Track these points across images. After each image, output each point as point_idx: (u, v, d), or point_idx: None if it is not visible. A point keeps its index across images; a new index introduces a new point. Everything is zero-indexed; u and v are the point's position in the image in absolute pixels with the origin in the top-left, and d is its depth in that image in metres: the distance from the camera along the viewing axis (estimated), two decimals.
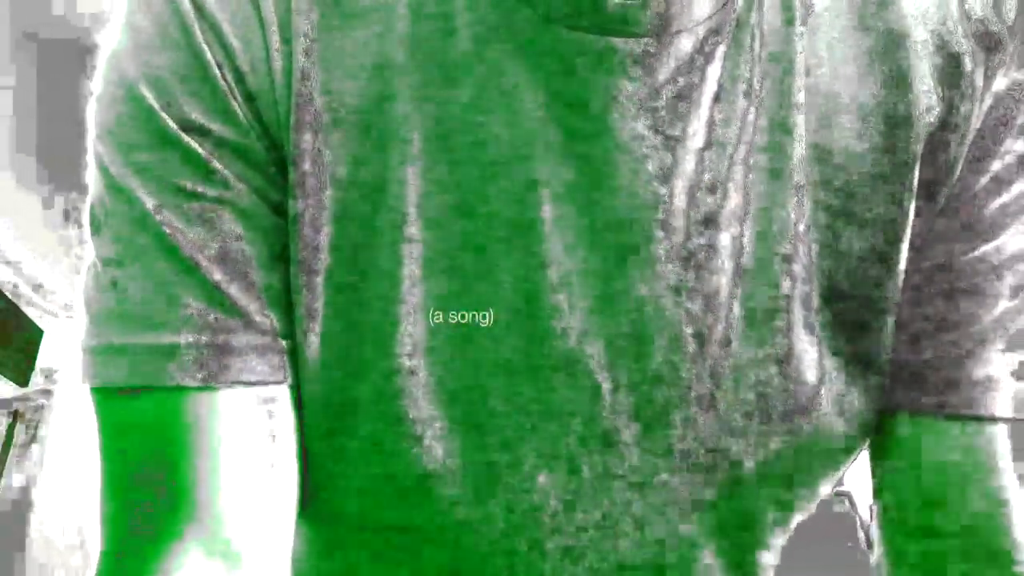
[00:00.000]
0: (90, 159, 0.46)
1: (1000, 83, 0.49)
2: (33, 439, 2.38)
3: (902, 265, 0.49)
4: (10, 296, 2.26)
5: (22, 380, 2.32)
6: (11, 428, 2.29)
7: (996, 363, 0.49)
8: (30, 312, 2.41)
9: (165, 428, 0.44)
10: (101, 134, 0.45)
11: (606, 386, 0.47)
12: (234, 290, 0.44)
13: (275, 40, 0.44)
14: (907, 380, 0.50)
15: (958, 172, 0.49)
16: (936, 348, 0.50)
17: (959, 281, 0.50)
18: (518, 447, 0.48)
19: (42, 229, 2.12)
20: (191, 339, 0.44)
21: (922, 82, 0.49)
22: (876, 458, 0.53)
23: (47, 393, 2.41)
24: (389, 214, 0.45)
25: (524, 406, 0.47)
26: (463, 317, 0.46)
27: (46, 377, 2.42)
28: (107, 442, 0.45)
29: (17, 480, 2.28)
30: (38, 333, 2.40)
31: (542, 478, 0.48)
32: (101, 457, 0.45)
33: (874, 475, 0.53)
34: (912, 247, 0.50)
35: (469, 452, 0.48)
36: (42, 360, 2.39)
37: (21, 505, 2.25)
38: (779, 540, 0.54)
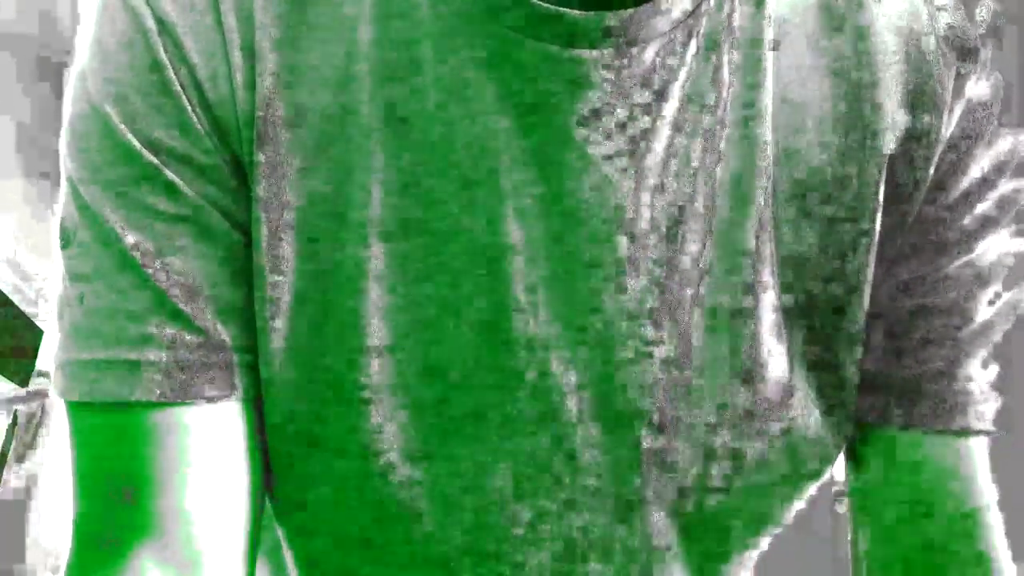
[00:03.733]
0: (61, 173, 0.46)
1: (971, 92, 0.49)
2: (33, 439, 2.38)
3: (870, 277, 0.49)
4: (10, 296, 2.26)
5: (22, 380, 2.32)
6: (11, 428, 2.29)
7: (976, 376, 0.49)
8: (30, 312, 2.40)
9: (128, 442, 0.44)
10: (70, 150, 0.46)
11: (571, 399, 0.47)
12: (195, 308, 0.44)
13: (237, 55, 0.45)
14: (887, 394, 0.50)
15: (928, 184, 0.49)
16: (915, 362, 0.50)
17: (936, 295, 0.50)
18: (484, 461, 0.48)
19: (41, 228, 2.12)
20: (152, 356, 0.44)
21: (889, 94, 0.48)
22: (853, 471, 0.53)
23: (47, 393, 2.40)
24: (353, 227, 0.45)
25: (490, 420, 0.47)
26: (427, 329, 0.46)
27: (46, 377, 2.42)
28: (75, 453, 0.46)
29: (17, 480, 2.28)
30: (38, 333, 2.39)
31: (509, 492, 0.48)
32: (72, 467, 0.46)
33: (851, 488, 0.53)
34: (886, 261, 0.50)
35: (435, 467, 0.47)
36: (42, 360, 2.39)
37: (21, 505, 2.24)
38: (750, 556, 0.54)
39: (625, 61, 0.45)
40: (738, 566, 0.55)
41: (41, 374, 2.34)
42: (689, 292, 0.47)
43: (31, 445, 2.35)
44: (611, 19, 0.44)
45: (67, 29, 1.75)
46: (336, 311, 0.46)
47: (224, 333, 0.45)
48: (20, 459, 2.30)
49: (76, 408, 0.46)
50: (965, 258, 0.50)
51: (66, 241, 0.46)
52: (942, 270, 0.50)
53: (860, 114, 0.49)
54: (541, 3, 0.44)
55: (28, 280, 2.36)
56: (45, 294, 2.40)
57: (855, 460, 0.54)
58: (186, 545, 0.44)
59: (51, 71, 1.78)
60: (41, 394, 2.38)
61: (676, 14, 0.45)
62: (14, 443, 2.29)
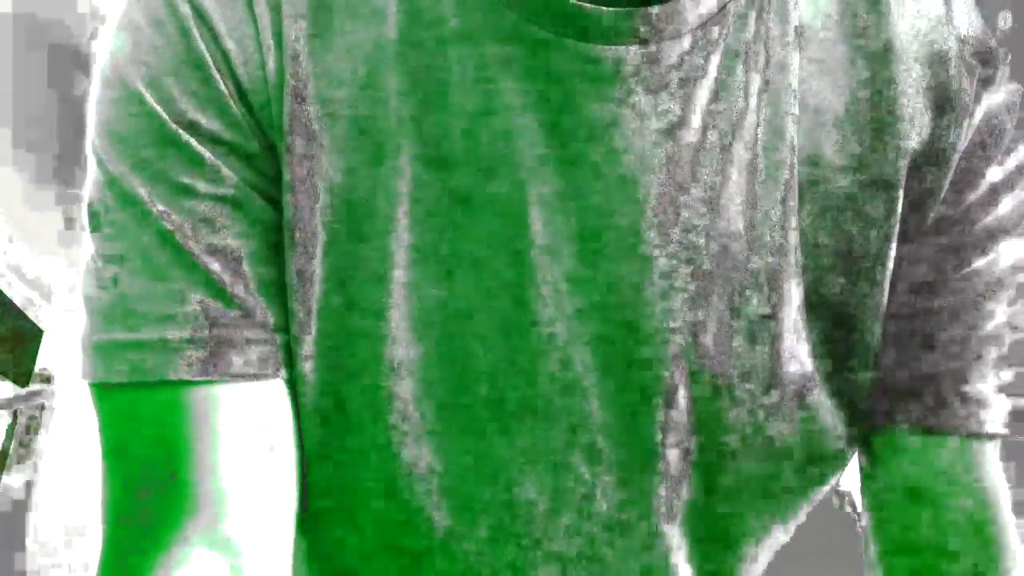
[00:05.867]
0: (89, 158, 0.46)
1: (990, 98, 0.49)
2: (33, 439, 2.38)
3: (887, 278, 0.49)
4: (9, 295, 2.26)
5: (22, 380, 2.32)
6: (11, 428, 2.29)
7: (988, 380, 0.49)
8: (29, 311, 2.40)
9: (167, 422, 0.44)
10: (101, 133, 0.45)
11: (592, 394, 0.47)
12: (233, 285, 0.44)
13: (268, 45, 0.45)
14: (900, 396, 0.50)
15: (946, 188, 0.49)
16: (928, 365, 0.50)
17: (951, 298, 0.50)
18: (504, 452, 0.48)
19: (41, 227, 2.12)
20: (193, 334, 0.44)
21: (910, 98, 0.49)
22: (866, 472, 0.53)
23: (47, 393, 2.41)
24: (379, 218, 0.46)
25: (511, 411, 0.47)
26: (450, 321, 0.46)
27: (46, 378, 2.42)
28: (109, 437, 0.46)
29: (17, 480, 2.28)
30: (38, 333, 2.39)
31: (527, 483, 0.48)
32: (103, 453, 0.46)
33: (863, 489, 0.53)
34: (902, 262, 0.50)
35: (455, 456, 0.48)
36: (42, 360, 2.39)
37: (21, 505, 2.24)
38: (761, 554, 0.54)
39: (652, 58, 0.45)
40: (744, 564, 0.55)
41: (41, 375, 2.34)
42: (714, 289, 0.48)
43: (31, 445, 2.35)
44: (638, 16, 0.44)
45: (67, 25, 1.75)
46: (361, 301, 0.46)
47: (263, 311, 0.45)
48: (20, 459, 2.30)
49: (110, 391, 0.45)
50: (980, 262, 0.50)
51: (96, 224, 0.45)
52: (957, 272, 0.50)
53: (881, 119, 0.49)
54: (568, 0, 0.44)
55: (27, 279, 2.36)
56: (44, 292, 2.40)
57: (866, 460, 0.54)
58: (227, 524, 0.44)
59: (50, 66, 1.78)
60: (41, 394, 2.38)
61: (703, 12, 0.45)
62: (14, 443, 2.29)
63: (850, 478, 0.57)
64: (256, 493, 0.45)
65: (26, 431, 2.32)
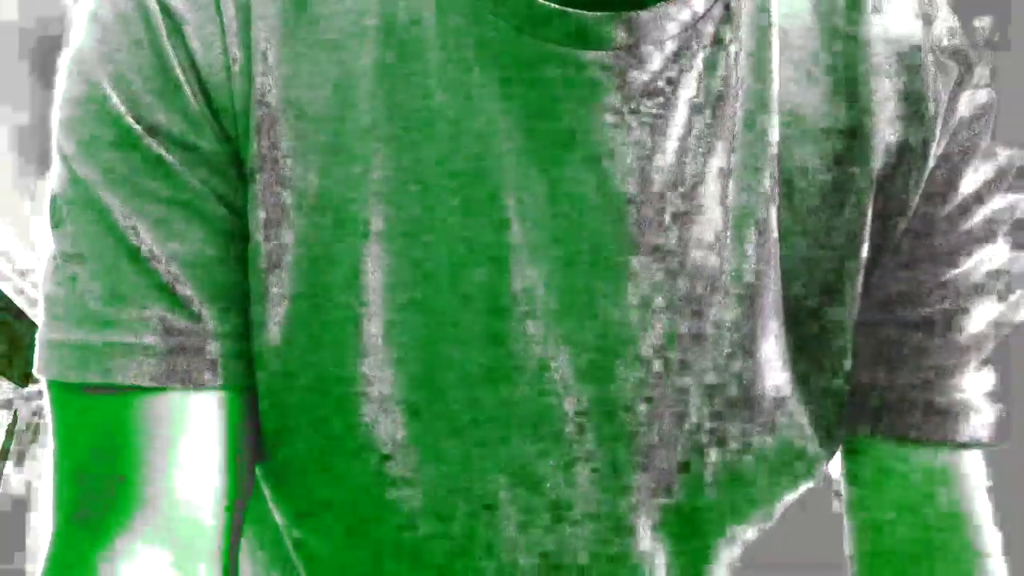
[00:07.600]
0: (53, 154, 0.46)
1: (965, 106, 0.48)
2: (33, 439, 2.38)
3: (859, 287, 0.49)
4: (9, 295, 2.26)
5: (22, 380, 2.32)
6: (11, 428, 2.29)
7: (969, 388, 0.49)
8: (29, 310, 2.41)
9: (117, 425, 0.44)
10: (65, 131, 0.45)
11: (569, 399, 0.47)
12: (192, 293, 0.44)
13: (235, 46, 0.44)
14: (878, 406, 0.50)
15: (920, 197, 0.48)
16: (907, 374, 0.49)
17: (928, 307, 0.49)
18: (480, 459, 0.47)
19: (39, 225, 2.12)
20: (148, 340, 0.43)
21: (884, 106, 0.48)
22: (848, 481, 0.53)
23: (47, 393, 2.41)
24: (350, 224, 0.45)
25: (487, 418, 0.47)
26: (424, 329, 0.46)
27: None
28: (60, 434, 0.45)
29: (17, 480, 2.28)
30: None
31: (503, 491, 0.48)
32: (54, 448, 0.45)
33: (845, 499, 0.53)
34: (878, 272, 0.49)
35: (427, 467, 0.47)
36: None
37: (21, 505, 2.25)
38: (735, 549, 0.54)
39: (633, 63, 0.44)
40: (720, 567, 0.55)
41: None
42: (692, 297, 0.47)
43: (31, 444, 2.36)
44: (620, 21, 0.44)
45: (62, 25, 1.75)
46: (332, 308, 0.45)
47: (218, 320, 0.45)
48: (20, 459, 2.31)
49: (62, 389, 0.45)
50: (958, 270, 0.50)
51: (58, 221, 0.45)
52: (934, 282, 0.50)
53: (853, 127, 0.49)
54: (548, 3, 0.43)
55: (27, 278, 2.36)
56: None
57: (848, 472, 0.54)
58: (171, 525, 0.43)
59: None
60: (41, 394, 2.39)
61: (684, 18, 0.45)
62: (14, 443, 2.30)
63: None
64: (202, 498, 0.45)
65: (26, 431, 2.33)
